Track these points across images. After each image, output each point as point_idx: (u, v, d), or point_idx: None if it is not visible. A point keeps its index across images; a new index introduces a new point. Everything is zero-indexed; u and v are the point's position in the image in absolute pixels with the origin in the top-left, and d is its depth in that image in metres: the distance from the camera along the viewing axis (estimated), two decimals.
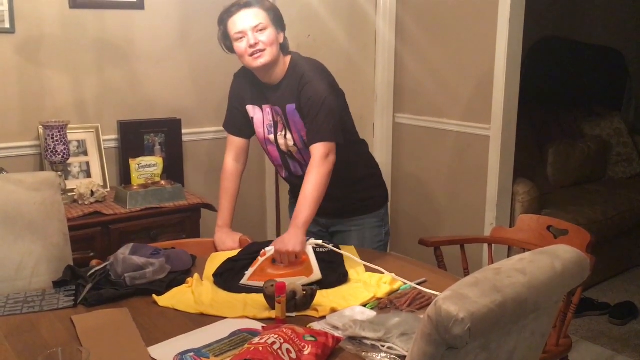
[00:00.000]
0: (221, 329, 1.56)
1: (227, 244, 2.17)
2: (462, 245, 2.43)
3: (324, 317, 1.62)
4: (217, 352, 1.43)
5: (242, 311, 1.67)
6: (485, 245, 2.50)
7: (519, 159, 3.46)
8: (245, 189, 2.36)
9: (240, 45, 2.04)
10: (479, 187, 3.42)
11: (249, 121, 2.21)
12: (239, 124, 2.24)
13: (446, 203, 3.64)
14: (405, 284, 1.83)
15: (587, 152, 4.47)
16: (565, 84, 5.03)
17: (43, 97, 2.82)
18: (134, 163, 2.88)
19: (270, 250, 1.87)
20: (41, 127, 2.72)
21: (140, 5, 2.99)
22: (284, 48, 2.10)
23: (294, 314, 1.64)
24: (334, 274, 1.87)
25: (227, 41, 2.09)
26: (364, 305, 1.70)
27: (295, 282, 1.71)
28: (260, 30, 2.02)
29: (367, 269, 1.93)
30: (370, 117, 3.89)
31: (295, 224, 1.94)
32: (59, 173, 2.65)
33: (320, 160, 2.00)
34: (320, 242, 1.95)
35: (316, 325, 1.56)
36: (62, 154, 2.65)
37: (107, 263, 1.88)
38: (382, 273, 1.88)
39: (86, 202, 2.65)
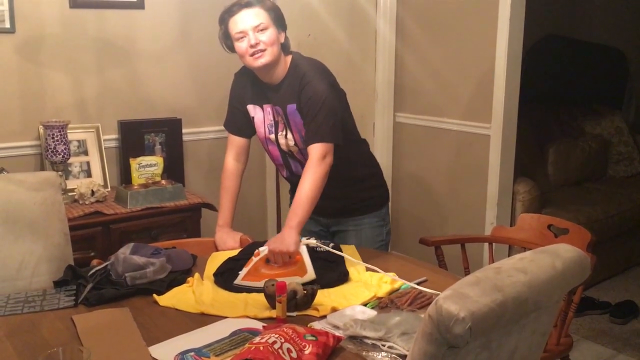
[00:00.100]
0: (222, 329, 1.56)
1: (228, 243, 2.17)
2: (463, 244, 2.43)
3: (324, 317, 1.62)
4: (218, 351, 1.43)
5: (242, 311, 1.67)
6: (486, 245, 2.49)
7: (519, 158, 3.46)
8: (245, 188, 2.36)
9: (241, 45, 2.03)
10: (480, 186, 3.42)
11: (250, 121, 2.21)
12: (239, 124, 2.24)
13: (447, 202, 3.64)
14: (404, 284, 1.83)
15: (587, 151, 4.47)
16: (566, 82, 5.03)
17: (43, 96, 2.82)
18: (134, 163, 2.88)
19: (264, 250, 1.87)
20: (42, 126, 2.72)
21: (140, 5, 2.99)
22: (285, 48, 2.10)
23: (294, 314, 1.64)
24: (335, 273, 1.87)
25: (227, 40, 2.09)
26: (365, 305, 1.70)
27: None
28: (261, 30, 2.01)
29: (367, 269, 1.93)
30: (371, 116, 3.89)
31: (289, 224, 1.94)
32: (60, 173, 2.65)
33: (317, 161, 2.00)
34: (314, 242, 1.95)
35: (317, 325, 1.56)
36: (62, 154, 2.65)
37: (107, 263, 1.88)
38: (384, 273, 1.88)
39: (87, 202, 2.65)
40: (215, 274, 1.89)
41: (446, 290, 1.05)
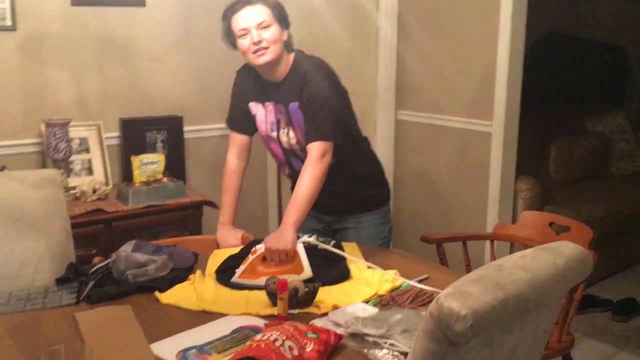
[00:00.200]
0: (223, 326, 1.56)
1: (229, 241, 2.17)
2: (464, 241, 2.43)
3: (326, 314, 1.62)
4: (220, 349, 1.43)
5: (244, 308, 1.67)
6: (487, 242, 2.50)
7: (521, 155, 3.45)
8: (247, 185, 2.36)
9: (244, 42, 2.03)
10: (481, 183, 3.41)
11: (252, 118, 2.21)
12: (241, 121, 2.24)
13: (448, 200, 3.63)
14: (405, 281, 1.83)
15: (589, 148, 4.47)
16: (568, 80, 5.02)
17: (45, 94, 2.82)
18: (136, 160, 2.88)
19: (260, 248, 1.87)
20: (43, 124, 2.73)
21: (141, 3, 2.99)
22: (287, 46, 2.10)
23: (296, 311, 1.64)
24: (336, 270, 1.87)
25: (230, 37, 2.09)
26: (366, 302, 1.70)
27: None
28: (264, 27, 2.01)
29: (368, 267, 1.93)
30: (372, 114, 3.88)
31: (286, 222, 1.94)
32: (61, 170, 2.65)
33: (315, 160, 2.00)
34: (311, 239, 1.95)
35: (318, 322, 1.56)
36: (64, 152, 2.65)
37: (109, 260, 1.88)
38: (382, 272, 1.88)
39: (88, 200, 2.65)
40: (216, 272, 1.89)
41: (447, 288, 1.05)
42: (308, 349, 1.36)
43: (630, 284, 3.81)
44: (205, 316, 1.64)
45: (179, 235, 2.59)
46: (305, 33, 3.44)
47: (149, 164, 2.90)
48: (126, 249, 1.87)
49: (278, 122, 2.15)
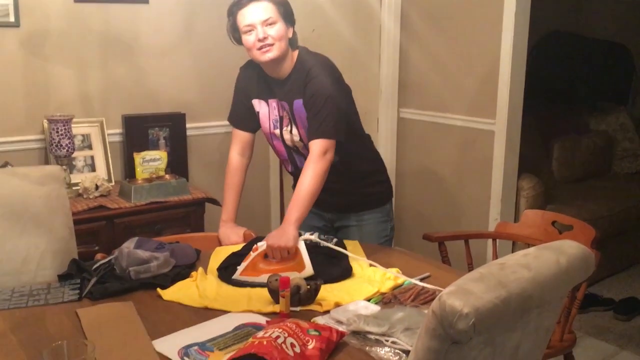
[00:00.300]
0: (225, 323, 1.56)
1: (232, 238, 2.17)
2: (467, 240, 2.43)
3: (328, 312, 1.62)
4: (222, 345, 1.44)
5: (246, 305, 1.67)
6: (490, 241, 2.49)
7: (524, 154, 3.45)
8: (249, 183, 2.36)
9: (249, 39, 2.03)
10: (484, 182, 3.41)
11: (255, 115, 2.21)
12: (244, 118, 2.24)
13: (451, 198, 3.63)
14: (407, 280, 1.83)
15: (592, 147, 4.46)
16: (571, 79, 5.01)
17: (48, 91, 2.82)
18: (138, 157, 2.88)
19: (262, 245, 1.87)
20: (46, 121, 2.73)
21: (144, 0, 2.99)
22: (292, 43, 2.10)
23: (298, 309, 1.64)
24: (338, 268, 1.87)
25: (235, 33, 2.08)
26: (368, 300, 1.70)
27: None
28: (270, 24, 2.01)
29: (370, 265, 1.93)
30: (375, 111, 3.88)
31: (288, 220, 1.93)
32: (64, 167, 2.66)
33: (317, 157, 1.99)
34: (313, 237, 1.95)
35: (320, 320, 1.56)
36: (66, 148, 2.66)
37: (111, 257, 1.89)
38: (384, 270, 1.88)
39: (91, 196, 2.66)
40: (218, 269, 1.89)
41: (450, 286, 1.05)
42: (310, 347, 1.36)
43: (633, 283, 3.80)
44: (207, 313, 1.64)
45: (181, 232, 2.59)
46: (309, 30, 3.44)
47: (152, 161, 2.90)
48: (128, 245, 1.88)
49: (281, 119, 2.15)
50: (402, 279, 1.83)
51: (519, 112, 3.32)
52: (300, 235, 1.93)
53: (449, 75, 3.55)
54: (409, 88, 3.80)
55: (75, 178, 2.78)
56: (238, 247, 2.06)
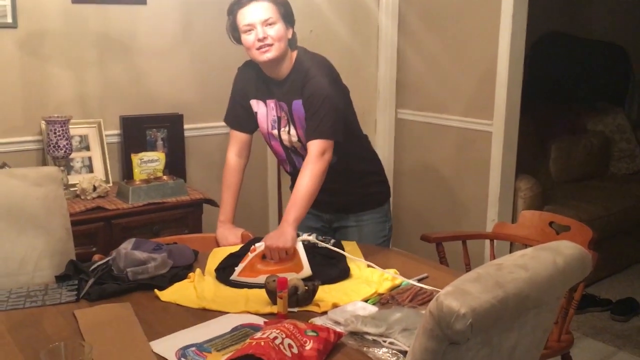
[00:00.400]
0: (223, 324, 1.56)
1: (229, 239, 2.17)
2: (464, 240, 2.43)
3: (325, 313, 1.62)
4: (219, 346, 1.44)
5: (244, 306, 1.67)
6: (487, 241, 2.49)
7: (521, 154, 3.45)
8: (247, 184, 2.36)
9: (248, 38, 2.03)
10: (481, 182, 3.41)
11: (252, 116, 2.21)
12: (241, 119, 2.24)
13: (448, 199, 3.64)
14: (405, 280, 1.83)
15: (589, 148, 4.46)
16: (569, 79, 5.02)
17: (45, 92, 2.82)
18: (136, 158, 2.88)
19: (260, 246, 1.87)
20: (44, 122, 2.72)
21: (142, 0, 2.99)
22: (291, 43, 2.10)
23: (295, 309, 1.64)
24: (336, 269, 1.87)
25: (235, 32, 2.08)
26: (366, 301, 1.70)
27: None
28: (270, 24, 2.00)
29: (368, 266, 1.93)
30: (373, 112, 3.88)
31: (286, 220, 1.93)
32: (62, 168, 2.66)
33: (315, 157, 1.99)
34: (311, 238, 1.95)
35: (318, 321, 1.56)
36: (64, 149, 2.65)
37: (109, 258, 1.88)
38: (382, 271, 1.88)
39: (88, 197, 2.65)
40: (216, 270, 1.89)
41: (447, 287, 1.05)
42: (307, 347, 1.36)
43: (630, 283, 3.81)
44: (205, 314, 1.64)
45: (179, 233, 2.59)
46: (307, 31, 3.44)
47: (149, 162, 2.90)
48: (126, 246, 1.88)
49: (279, 119, 2.15)
50: (399, 279, 1.84)
51: (517, 113, 3.32)
52: (298, 236, 1.93)
53: (446, 76, 3.56)
54: (406, 89, 3.80)
55: (72, 179, 2.77)
56: (236, 248, 2.05)
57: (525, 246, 2.18)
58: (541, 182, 3.71)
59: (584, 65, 5.04)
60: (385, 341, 1.43)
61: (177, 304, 1.70)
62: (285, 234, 1.89)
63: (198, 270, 1.89)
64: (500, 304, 1.04)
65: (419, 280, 1.83)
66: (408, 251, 2.89)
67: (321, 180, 2.00)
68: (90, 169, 2.90)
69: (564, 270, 1.20)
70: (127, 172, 2.96)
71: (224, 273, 1.87)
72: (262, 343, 1.32)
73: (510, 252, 2.99)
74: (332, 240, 2.01)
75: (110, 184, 2.88)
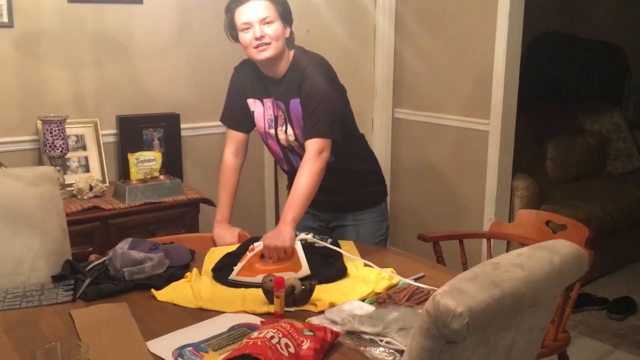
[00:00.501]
0: (220, 324, 1.56)
1: (226, 238, 2.17)
2: (461, 240, 2.43)
3: (322, 312, 1.62)
4: (216, 346, 1.43)
5: (240, 306, 1.67)
6: (484, 240, 2.50)
7: (518, 154, 3.46)
8: (244, 183, 2.35)
9: (246, 37, 2.02)
10: (478, 182, 3.42)
11: (249, 115, 2.20)
12: (238, 118, 2.23)
13: (445, 198, 3.64)
14: (402, 280, 1.83)
15: (586, 147, 4.47)
16: (565, 79, 5.03)
17: (42, 91, 2.82)
18: (132, 158, 2.87)
19: (259, 245, 1.87)
20: (40, 121, 2.72)
21: (138, 0, 2.98)
22: (289, 42, 2.09)
23: (292, 309, 1.64)
24: (333, 268, 1.87)
25: (232, 30, 2.07)
26: (363, 300, 1.70)
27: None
28: (267, 23, 2.00)
29: (365, 265, 1.93)
30: (370, 112, 3.88)
31: (284, 220, 1.93)
32: (58, 168, 2.65)
33: (313, 156, 1.99)
34: (309, 237, 1.94)
35: (315, 320, 1.56)
36: (60, 149, 2.65)
37: (105, 258, 1.88)
38: (379, 270, 1.88)
39: (85, 197, 2.65)
40: (213, 270, 1.89)
41: (444, 286, 1.05)
42: (304, 347, 1.36)
43: (627, 282, 3.81)
44: (202, 314, 1.64)
45: (176, 232, 2.59)
46: (303, 31, 3.44)
47: (146, 162, 2.89)
48: (122, 246, 1.87)
49: (276, 119, 2.14)
50: (396, 279, 1.84)
51: (513, 112, 3.32)
52: (296, 235, 1.93)
53: (443, 76, 3.56)
54: (403, 88, 3.81)
55: (69, 179, 2.77)
56: (233, 248, 2.06)
57: (522, 245, 2.18)
58: (538, 181, 3.71)
59: (580, 64, 5.05)
60: (382, 340, 1.43)
61: (174, 304, 1.69)
62: (284, 233, 1.89)
63: (195, 270, 1.89)
64: (497, 303, 1.04)
65: (416, 280, 1.83)
66: (405, 250, 2.89)
67: (319, 179, 2.00)
68: (86, 169, 2.89)
69: (560, 269, 1.20)
70: (123, 171, 2.96)
71: (220, 273, 1.87)
72: (259, 343, 1.31)
73: (507, 251, 2.99)
74: (329, 240, 2.01)
75: (107, 184, 2.87)
